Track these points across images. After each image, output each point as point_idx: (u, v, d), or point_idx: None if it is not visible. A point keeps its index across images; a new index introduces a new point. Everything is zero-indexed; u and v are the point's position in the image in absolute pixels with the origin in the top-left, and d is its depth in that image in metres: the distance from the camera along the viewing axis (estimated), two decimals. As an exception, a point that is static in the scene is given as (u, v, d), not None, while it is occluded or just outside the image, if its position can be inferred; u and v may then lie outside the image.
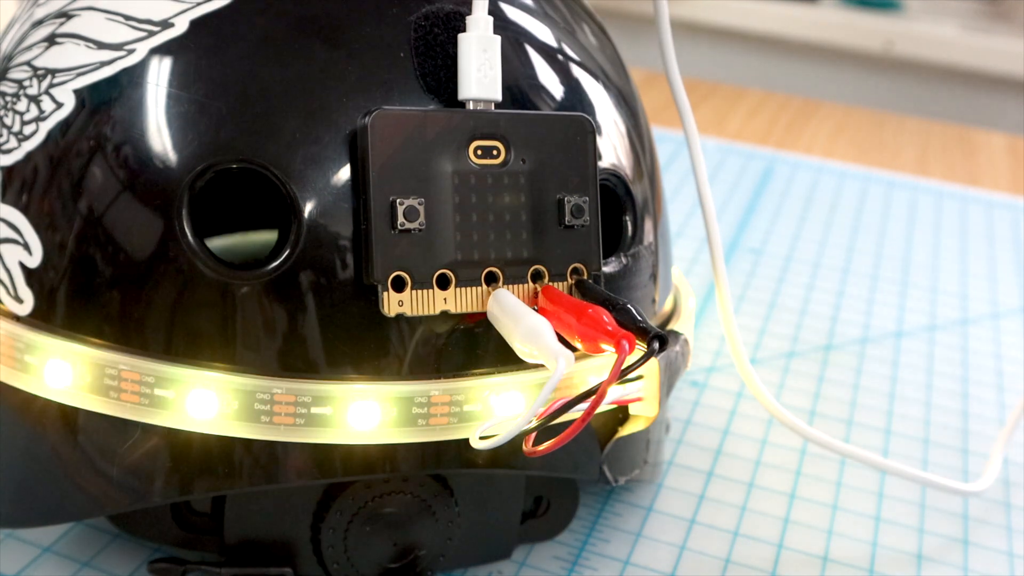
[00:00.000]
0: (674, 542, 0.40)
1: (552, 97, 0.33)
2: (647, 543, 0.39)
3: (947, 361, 0.54)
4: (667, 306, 0.39)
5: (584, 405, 0.28)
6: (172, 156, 0.30)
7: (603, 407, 0.33)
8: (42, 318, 0.31)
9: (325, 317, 0.30)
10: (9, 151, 0.32)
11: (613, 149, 0.35)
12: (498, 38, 0.31)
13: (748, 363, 0.39)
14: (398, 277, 0.29)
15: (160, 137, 0.30)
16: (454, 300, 0.30)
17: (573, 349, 0.29)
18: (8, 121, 0.32)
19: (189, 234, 0.30)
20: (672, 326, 0.38)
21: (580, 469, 0.35)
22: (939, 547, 0.41)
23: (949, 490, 0.42)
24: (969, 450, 0.47)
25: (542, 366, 0.29)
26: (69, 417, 0.32)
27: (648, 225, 0.36)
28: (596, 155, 0.32)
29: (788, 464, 0.45)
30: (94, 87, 0.31)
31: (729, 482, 0.43)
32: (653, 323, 0.36)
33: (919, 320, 0.58)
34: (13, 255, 0.32)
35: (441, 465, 0.32)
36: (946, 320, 0.59)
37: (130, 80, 0.31)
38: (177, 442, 0.31)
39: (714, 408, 0.48)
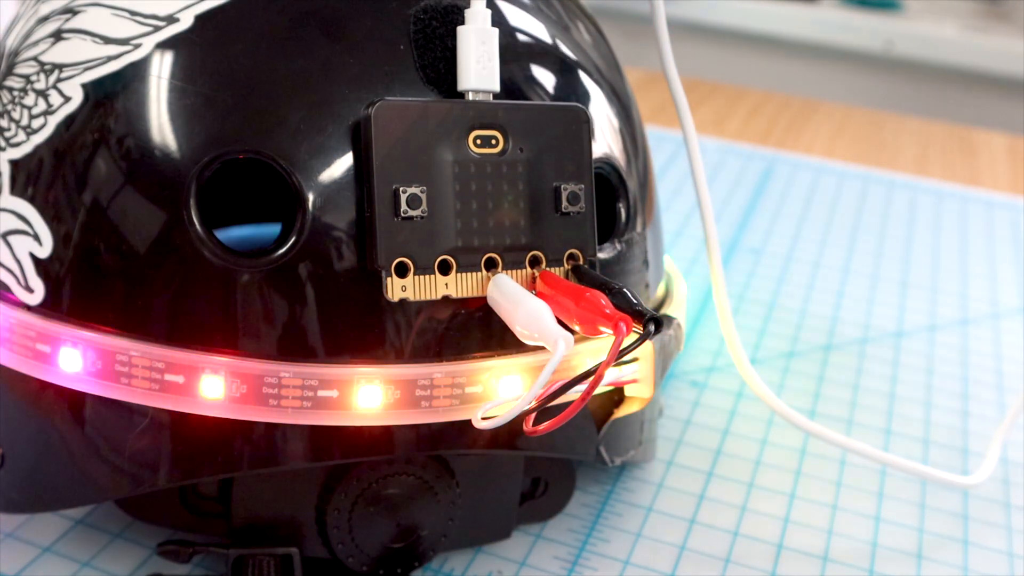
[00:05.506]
0: (674, 542, 0.40)
1: (547, 89, 0.34)
2: (647, 543, 0.39)
3: (947, 361, 0.54)
4: (659, 291, 0.40)
5: (583, 386, 0.29)
6: (180, 147, 0.30)
7: (600, 388, 0.33)
8: (53, 307, 0.32)
9: (330, 303, 0.31)
10: (18, 144, 0.32)
11: (606, 139, 0.35)
12: (496, 31, 0.32)
13: (747, 361, 0.39)
14: (401, 263, 0.30)
15: (168, 129, 0.31)
16: (455, 285, 0.31)
17: (571, 332, 0.30)
18: (16, 115, 0.33)
19: (197, 223, 0.30)
20: (664, 311, 0.39)
21: (578, 449, 0.36)
22: (939, 546, 0.41)
23: (946, 483, 0.42)
24: (969, 450, 0.47)
25: (542, 348, 0.30)
26: (79, 404, 0.32)
27: (641, 213, 0.37)
28: (591, 144, 0.33)
29: (788, 464, 0.45)
30: (101, 81, 0.32)
31: (729, 482, 0.43)
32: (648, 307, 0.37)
33: (919, 320, 0.58)
34: (23, 246, 0.32)
35: (443, 446, 0.33)
36: (946, 320, 0.58)
37: (137, 74, 0.31)
38: (184, 427, 0.31)
39: (714, 408, 0.48)
